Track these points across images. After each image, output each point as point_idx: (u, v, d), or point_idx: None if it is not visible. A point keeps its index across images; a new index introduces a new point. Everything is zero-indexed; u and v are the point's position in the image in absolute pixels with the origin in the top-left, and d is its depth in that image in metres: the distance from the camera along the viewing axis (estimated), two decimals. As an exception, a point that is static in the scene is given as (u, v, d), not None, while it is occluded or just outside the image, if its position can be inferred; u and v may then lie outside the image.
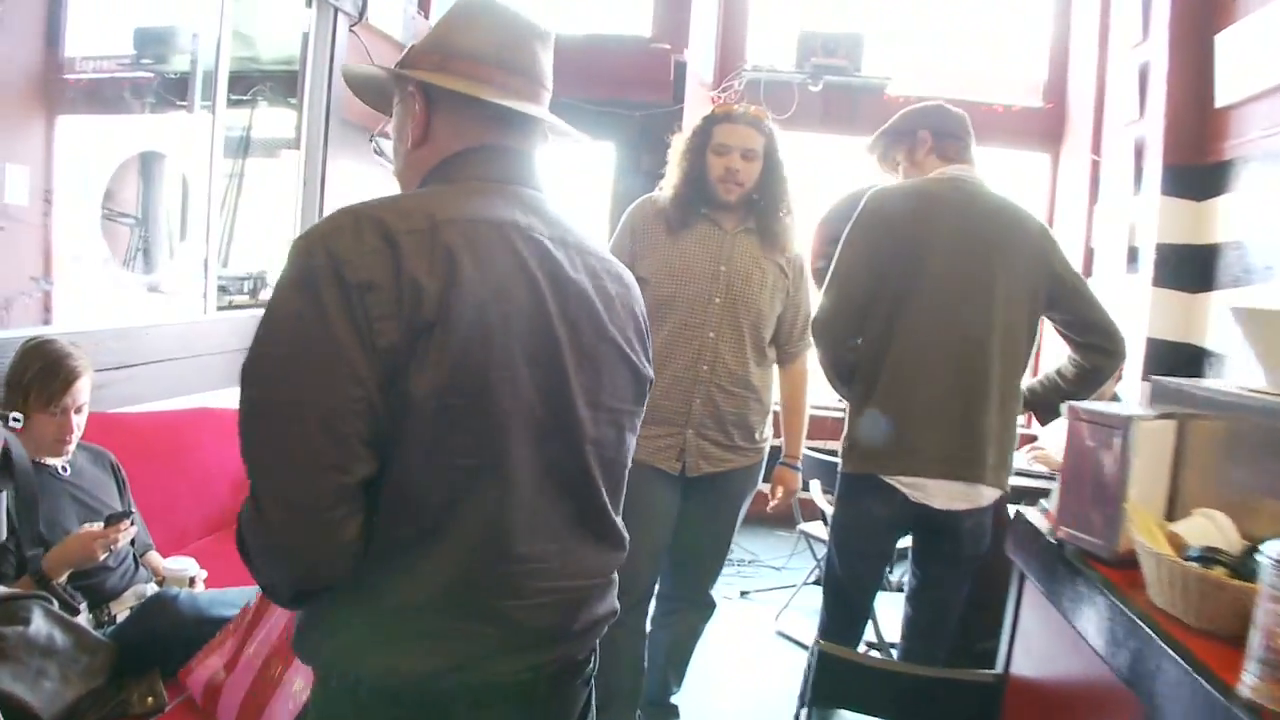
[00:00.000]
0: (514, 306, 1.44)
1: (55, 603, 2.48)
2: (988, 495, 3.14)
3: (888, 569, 4.14)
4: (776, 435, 3.82)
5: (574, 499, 1.56)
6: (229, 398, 4.05)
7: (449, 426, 1.37)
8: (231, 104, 4.91)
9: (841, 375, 3.31)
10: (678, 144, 3.59)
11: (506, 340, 1.41)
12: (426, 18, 5.52)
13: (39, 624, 2.37)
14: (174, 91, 4.46)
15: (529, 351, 1.45)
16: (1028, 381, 3.37)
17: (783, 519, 5.87)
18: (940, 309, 3.10)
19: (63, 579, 2.65)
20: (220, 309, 4.55)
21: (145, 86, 4.69)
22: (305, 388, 1.29)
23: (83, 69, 4.83)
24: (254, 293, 4.94)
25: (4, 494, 2.50)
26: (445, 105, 1.55)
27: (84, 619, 2.65)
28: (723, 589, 3.95)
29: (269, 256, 5.26)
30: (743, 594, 6.16)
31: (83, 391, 2.89)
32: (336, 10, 4.69)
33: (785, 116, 6.75)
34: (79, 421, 2.90)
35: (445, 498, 1.40)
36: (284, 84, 5.03)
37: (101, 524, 2.74)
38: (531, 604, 1.49)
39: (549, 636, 1.54)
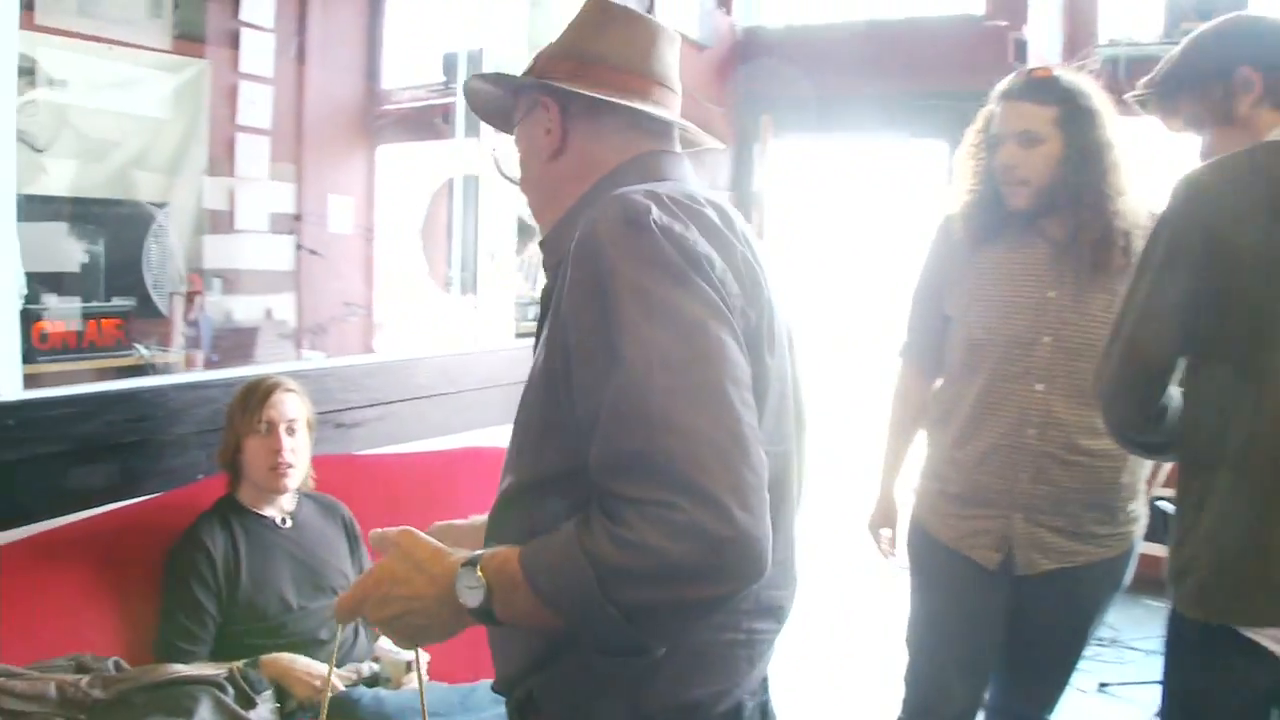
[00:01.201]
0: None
1: (232, 692, 2.26)
2: None
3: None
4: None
5: None
6: (503, 435, 3.81)
7: None
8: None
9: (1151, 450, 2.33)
10: (967, 136, 2.74)
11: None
12: (729, 14, 5.28)
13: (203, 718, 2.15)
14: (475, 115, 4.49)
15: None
16: None
17: (1152, 582, 4.57)
18: None
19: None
20: (519, 336, 4.50)
21: (455, 111, 4.77)
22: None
23: (398, 99, 5.01)
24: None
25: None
26: (583, 114, 1.49)
27: (265, 710, 2.35)
28: (1074, 679, 2.90)
29: None
30: (1101, 687, 4.65)
31: (289, 407, 2.66)
32: None
33: (1152, 96, 5.96)
34: (292, 446, 2.64)
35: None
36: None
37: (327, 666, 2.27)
38: None
39: None
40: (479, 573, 1.19)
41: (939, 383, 2.74)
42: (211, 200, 4.25)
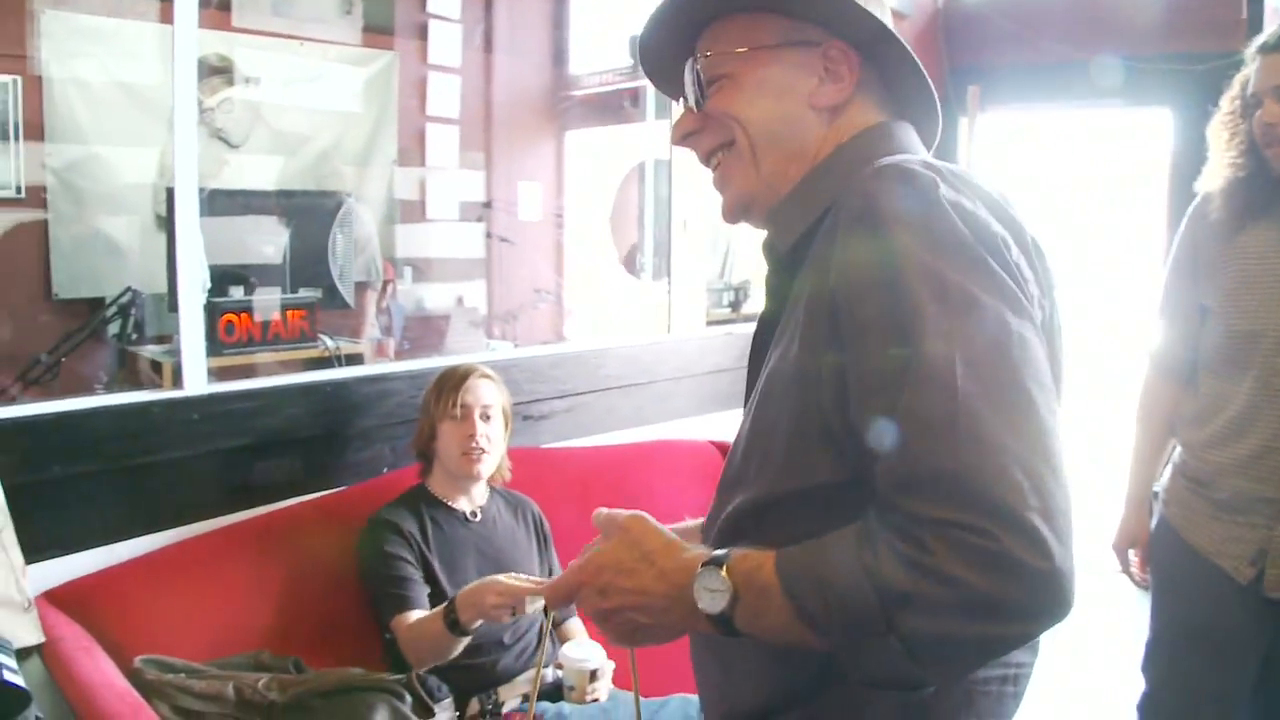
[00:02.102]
0: None
1: (409, 699, 2.16)
2: None
3: None
4: None
5: None
6: (695, 427, 3.67)
7: None
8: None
9: None
10: (1222, 105, 2.34)
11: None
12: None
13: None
14: (664, 96, 4.38)
15: None
16: None
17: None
18: None
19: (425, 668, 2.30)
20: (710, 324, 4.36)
21: (645, 94, 4.68)
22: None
23: (586, 84, 4.96)
24: (735, 305, 4.70)
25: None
26: (877, 77, 1.23)
27: (444, 718, 2.30)
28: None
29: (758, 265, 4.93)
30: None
31: (484, 392, 2.57)
32: None
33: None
34: (486, 432, 2.54)
35: None
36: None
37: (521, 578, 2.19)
38: None
39: None
40: (724, 574, 1.04)
41: (1198, 378, 2.40)
42: (402, 190, 4.31)
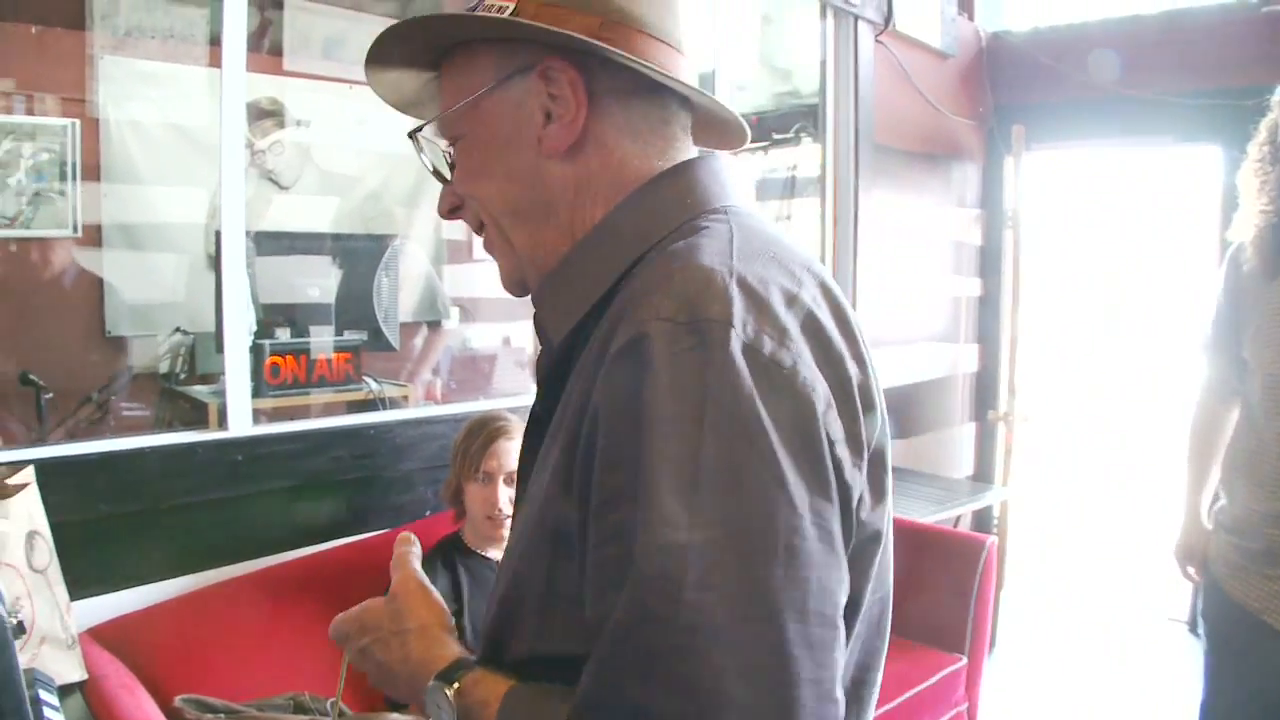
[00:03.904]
0: None
1: None
2: None
3: None
4: None
5: None
6: None
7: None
8: (774, 143, 4.77)
9: None
10: (1250, 151, 2.26)
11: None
12: (971, 19, 4.97)
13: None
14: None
15: None
16: None
17: None
18: None
19: None
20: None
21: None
22: None
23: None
24: None
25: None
26: (615, 95, 0.97)
27: None
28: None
29: None
30: None
31: (510, 458, 2.46)
32: (857, 19, 4.09)
33: None
34: (510, 497, 2.43)
35: None
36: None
37: None
38: None
39: None
40: (451, 696, 0.94)
41: (1236, 421, 2.36)
42: (449, 231, 4.33)
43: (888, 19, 4.21)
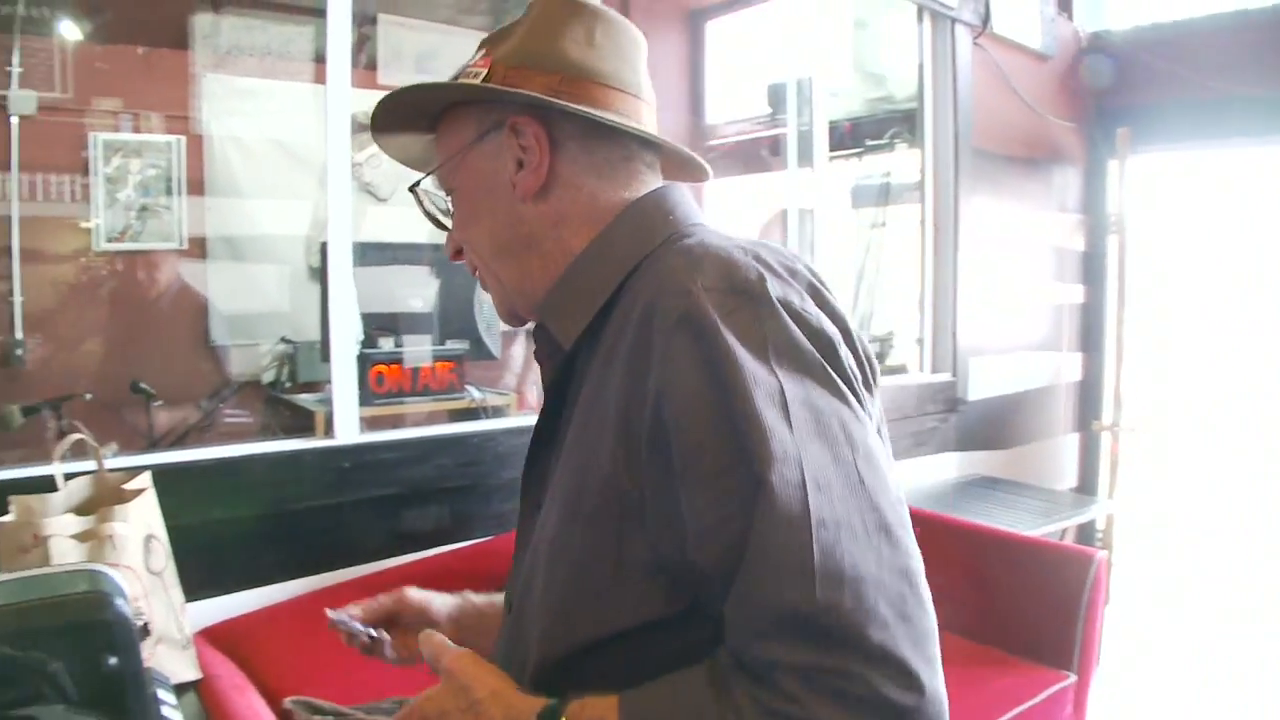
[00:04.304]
0: None
1: None
2: None
3: None
4: None
5: None
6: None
7: None
8: (868, 150, 4.72)
9: None
10: None
11: None
12: (1071, 19, 4.86)
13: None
14: (806, 145, 4.35)
15: None
16: None
17: None
18: None
19: None
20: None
21: (780, 143, 4.67)
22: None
23: (723, 133, 4.97)
24: (880, 357, 4.56)
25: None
26: (575, 140, 1.12)
27: None
28: None
29: (898, 316, 4.72)
30: None
31: None
32: (954, 22, 4.07)
33: None
34: None
35: None
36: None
37: None
38: None
39: None
40: None
41: None
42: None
43: (985, 21, 4.15)
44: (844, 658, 0.83)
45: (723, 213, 4.85)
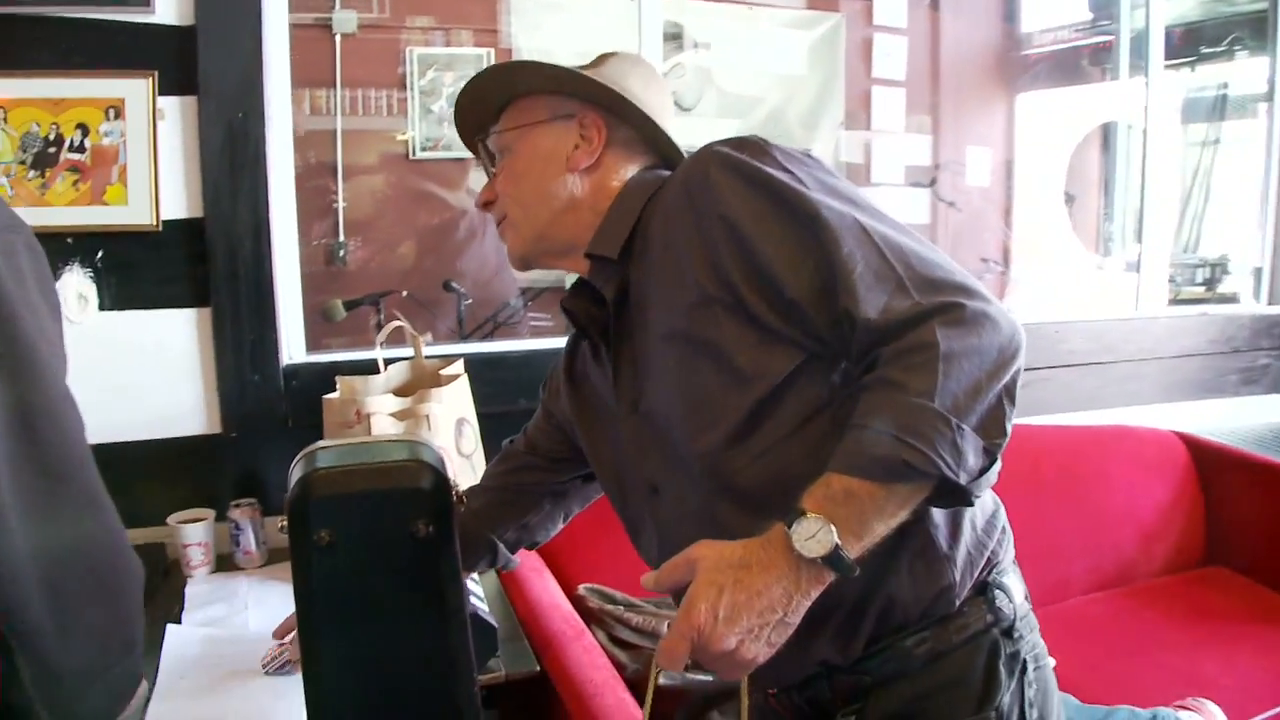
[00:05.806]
0: None
1: None
2: None
3: None
4: None
5: None
6: (1156, 415, 3.35)
7: None
8: (1201, 59, 4.32)
9: None
10: None
11: None
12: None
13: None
14: (1135, 53, 4.04)
15: None
16: None
17: None
18: None
19: None
20: (1171, 303, 3.93)
21: (1104, 52, 4.35)
22: None
23: (1040, 42, 4.68)
24: (1209, 284, 4.21)
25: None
26: (621, 140, 1.49)
27: None
28: None
29: (1233, 238, 4.23)
30: None
31: None
32: None
33: None
34: None
35: None
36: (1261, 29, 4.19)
37: None
38: None
39: None
40: (809, 516, 1.06)
41: None
42: (848, 153, 4.24)
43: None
44: (948, 295, 1.12)
45: (1031, 129, 4.61)
